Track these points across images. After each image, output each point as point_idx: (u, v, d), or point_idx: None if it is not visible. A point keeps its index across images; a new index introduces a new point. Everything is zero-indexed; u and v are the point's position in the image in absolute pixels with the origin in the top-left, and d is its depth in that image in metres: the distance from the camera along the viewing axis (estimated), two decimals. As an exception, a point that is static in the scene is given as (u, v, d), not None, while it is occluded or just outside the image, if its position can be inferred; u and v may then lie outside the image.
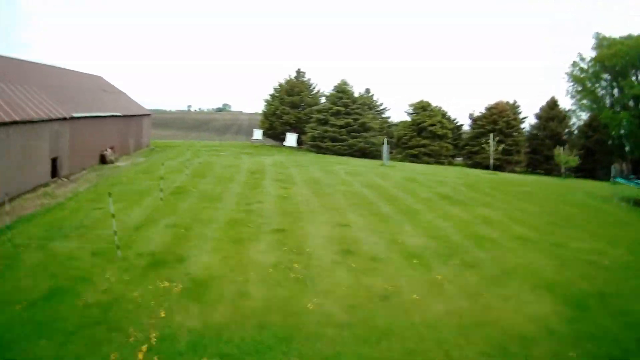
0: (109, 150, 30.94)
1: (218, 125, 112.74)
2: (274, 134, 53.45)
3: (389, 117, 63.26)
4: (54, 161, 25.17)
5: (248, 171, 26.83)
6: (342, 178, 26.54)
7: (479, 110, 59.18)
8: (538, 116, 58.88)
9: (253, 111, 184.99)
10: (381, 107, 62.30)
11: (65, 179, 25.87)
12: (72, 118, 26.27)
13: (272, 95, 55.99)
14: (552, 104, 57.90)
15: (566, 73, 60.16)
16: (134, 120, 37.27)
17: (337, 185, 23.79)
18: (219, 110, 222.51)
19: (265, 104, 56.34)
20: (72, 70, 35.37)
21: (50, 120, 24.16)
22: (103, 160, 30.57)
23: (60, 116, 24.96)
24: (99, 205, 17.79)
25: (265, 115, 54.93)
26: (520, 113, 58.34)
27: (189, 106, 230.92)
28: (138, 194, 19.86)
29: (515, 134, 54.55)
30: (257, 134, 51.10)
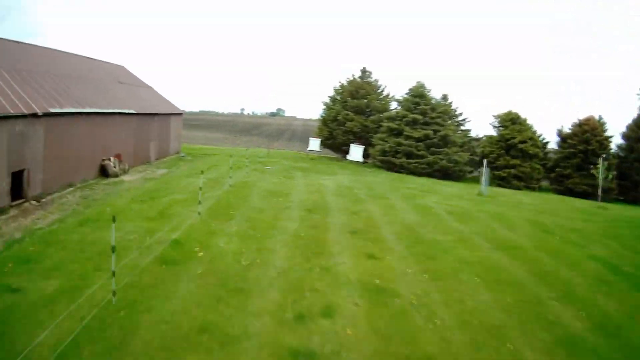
0: (112, 159, 22.30)
1: (270, 130, 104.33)
2: (334, 144, 43.65)
3: (469, 130, 51.68)
4: (17, 176, 16.95)
5: (302, 207, 17.13)
6: (450, 226, 16.34)
7: (567, 126, 47.80)
8: (625, 136, 47.11)
9: (307, 117, 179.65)
10: (460, 118, 50.69)
11: (34, 202, 17.46)
12: (49, 115, 17.77)
13: (333, 98, 46.25)
14: (640, 121, 46.16)
15: (642, 89, 48.26)
16: (157, 120, 28.74)
17: (453, 245, 13.68)
18: (273, 114, 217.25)
19: (324, 108, 46.62)
20: (80, 56, 27.42)
21: (9, 117, 15.88)
22: (104, 172, 21.98)
23: (26, 112, 16.53)
24: (17, 282, 8.98)
25: (324, 121, 45.21)
26: (606, 131, 46.42)
27: (242, 109, 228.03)
28: (97, 255, 10.71)
29: (604, 155, 43.05)
30: (314, 144, 41.38)
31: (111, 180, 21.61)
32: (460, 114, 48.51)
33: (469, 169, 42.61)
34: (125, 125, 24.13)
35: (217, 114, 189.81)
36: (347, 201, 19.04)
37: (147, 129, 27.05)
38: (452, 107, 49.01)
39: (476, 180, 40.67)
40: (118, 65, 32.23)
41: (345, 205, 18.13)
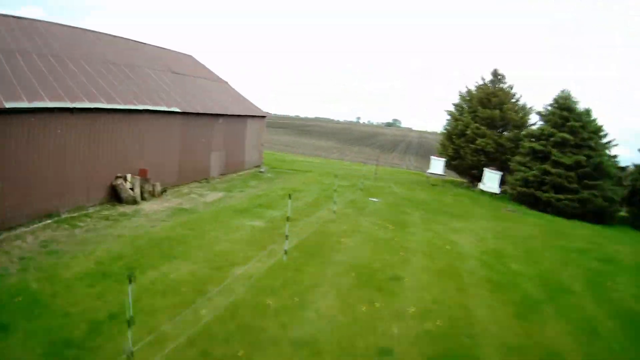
0: (129, 176, 14.54)
1: (385, 140, 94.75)
2: (461, 165, 32.43)
3: (615, 157, 36.28)
4: None
5: (424, 337, 7.24)
6: None
7: None
8: None
9: (423, 129, 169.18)
10: (605, 140, 35.26)
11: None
12: (3, 111, 10.36)
13: (458, 107, 35.03)
14: None
15: None
16: (225, 123, 20.72)
17: None
18: (388, 125, 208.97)
19: (449, 118, 35.51)
20: (121, 37, 20.35)
21: None
22: (117, 195, 14.32)
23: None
24: None
25: (449, 135, 34.15)
26: None
27: (358, 118, 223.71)
28: None
29: None
30: (437, 165, 30.68)
31: (121, 209, 13.78)
32: (606, 134, 33.69)
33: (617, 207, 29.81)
34: (162, 128, 16.35)
35: (332, 121, 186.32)
36: (509, 310, 8.68)
37: (203, 134, 19.13)
38: (598, 124, 34.62)
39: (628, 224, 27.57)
40: (182, 53, 25.12)
41: (512, 328, 7.82)
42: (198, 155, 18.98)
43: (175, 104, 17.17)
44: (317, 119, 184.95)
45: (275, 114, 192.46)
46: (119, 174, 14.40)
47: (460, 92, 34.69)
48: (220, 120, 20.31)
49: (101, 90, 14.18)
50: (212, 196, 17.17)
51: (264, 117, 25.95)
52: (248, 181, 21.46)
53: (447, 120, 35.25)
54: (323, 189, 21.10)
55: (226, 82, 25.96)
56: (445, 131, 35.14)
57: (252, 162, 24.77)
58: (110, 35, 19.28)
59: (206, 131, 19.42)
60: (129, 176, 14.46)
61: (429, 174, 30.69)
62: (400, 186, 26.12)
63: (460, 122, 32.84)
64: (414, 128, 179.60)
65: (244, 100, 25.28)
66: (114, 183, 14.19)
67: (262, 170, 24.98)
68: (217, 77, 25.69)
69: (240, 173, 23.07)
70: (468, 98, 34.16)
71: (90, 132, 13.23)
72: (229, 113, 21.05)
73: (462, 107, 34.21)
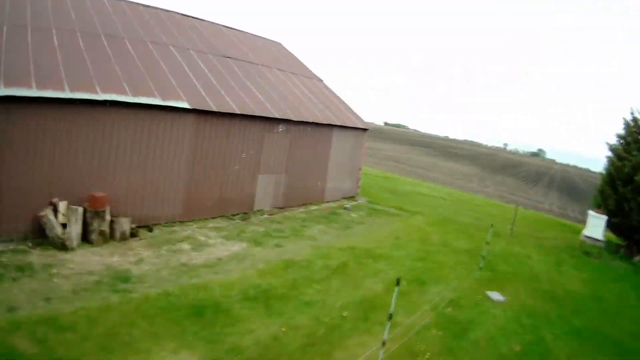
0: (61, 206, 8.57)
1: (529, 171, 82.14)
2: (624, 225, 20.63)
3: None
4: None
5: None
6: None
7: None
8: None
9: (566, 161, 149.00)
10: None
11: None
12: None
13: (623, 141, 22.82)
14: None
15: None
16: (284, 132, 13.82)
17: None
18: (533, 154, 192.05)
19: (611, 156, 23.42)
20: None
21: None
22: (42, 232, 8.49)
23: None
24: None
25: (611, 178, 22.35)
26: None
27: (505, 144, 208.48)
28: None
29: None
30: (596, 226, 19.17)
31: (33, 256, 7.82)
32: None
33: None
34: (155, 132, 10.11)
35: (479, 145, 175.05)
36: None
37: (244, 145, 12.51)
38: None
39: None
40: (265, 38, 18.87)
41: None
42: (232, 177, 12.43)
43: (191, 97, 10.85)
44: (465, 142, 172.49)
45: (423, 132, 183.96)
46: (54, 199, 8.57)
47: (624, 118, 22.66)
48: (281, 127, 13.50)
49: (45, 71, 8.54)
50: (216, 251, 10.38)
51: (364, 130, 18.33)
52: (311, 224, 14.18)
53: (608, 158, 23.23)
54: (422, 256, 12.81)
55: (320, 80, 19.09)
56: (605, 173, 23.30)
57: (339, 191, 17.49)
58: (137, 3, 14.04)
59: (251, 142, 12.78)
60: (61, 205, 8.50)
61: (585, 238, 19.61)
62: (543, 255, 16.40)
63: (627, 163, 20.96)
64: (558, 160, 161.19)
65: (339, 104, 17.98)
66: (39, 214, 8.38)
67: (347, 205, 17.52)
68: (310, 72, 18.97)
69: (313, 207, 15.99)
70: (634, 129, 22.00)
71: (3, 132, 7.62)
72: (295, 119, 14.05)
73: (629, 143, 22.11)
